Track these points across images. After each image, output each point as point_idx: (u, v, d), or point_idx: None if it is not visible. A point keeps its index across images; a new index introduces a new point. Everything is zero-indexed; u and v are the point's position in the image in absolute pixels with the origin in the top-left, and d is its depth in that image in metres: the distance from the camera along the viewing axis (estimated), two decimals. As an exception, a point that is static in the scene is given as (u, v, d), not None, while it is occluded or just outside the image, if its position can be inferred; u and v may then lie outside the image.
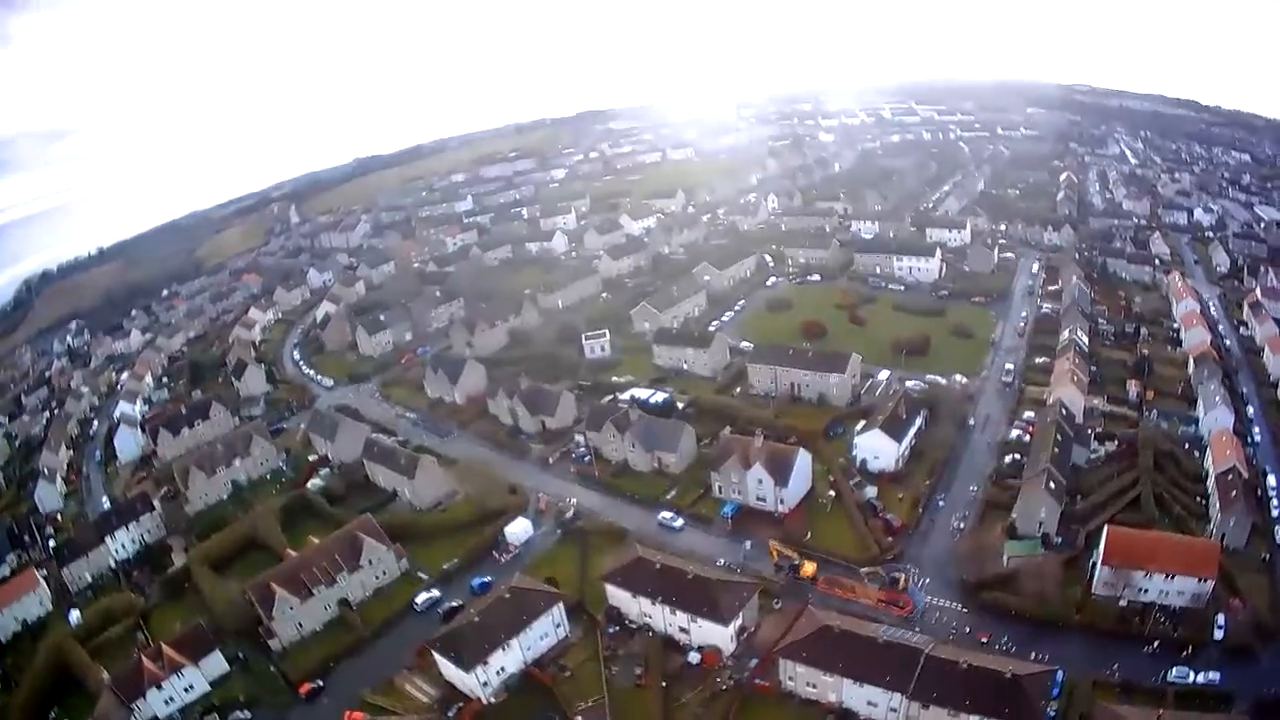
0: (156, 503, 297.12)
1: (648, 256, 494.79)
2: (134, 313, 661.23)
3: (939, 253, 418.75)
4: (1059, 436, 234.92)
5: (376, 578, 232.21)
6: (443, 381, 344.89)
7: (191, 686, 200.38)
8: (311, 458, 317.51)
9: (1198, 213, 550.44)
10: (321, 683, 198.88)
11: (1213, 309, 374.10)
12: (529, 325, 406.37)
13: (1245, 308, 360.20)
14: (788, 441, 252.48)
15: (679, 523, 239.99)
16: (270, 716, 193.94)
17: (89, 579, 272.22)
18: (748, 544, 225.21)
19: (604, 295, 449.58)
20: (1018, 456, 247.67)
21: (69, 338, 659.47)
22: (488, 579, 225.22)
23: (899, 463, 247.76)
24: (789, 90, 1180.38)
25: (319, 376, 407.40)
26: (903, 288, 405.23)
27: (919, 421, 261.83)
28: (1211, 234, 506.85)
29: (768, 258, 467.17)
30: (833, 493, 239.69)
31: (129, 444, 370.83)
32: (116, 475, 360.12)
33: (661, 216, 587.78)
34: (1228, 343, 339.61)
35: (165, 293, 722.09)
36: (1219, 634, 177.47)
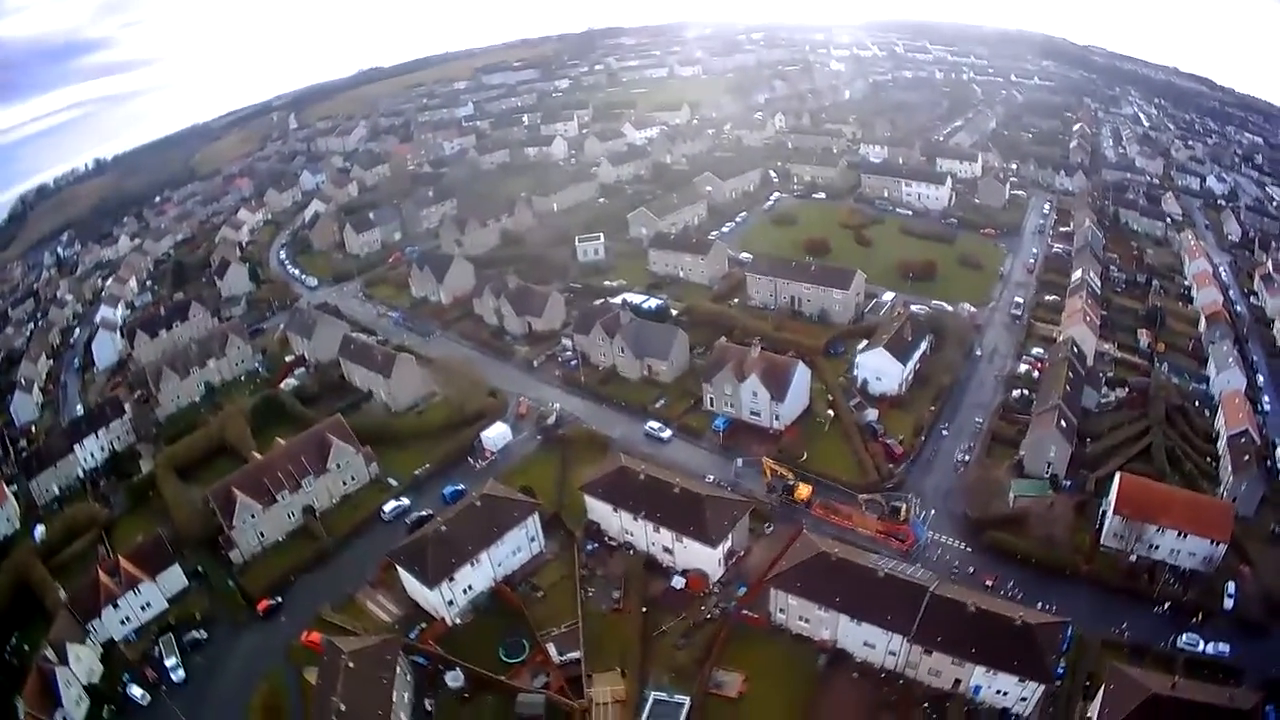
0: (127, 407, 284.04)
1: (649, 165, 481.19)
2: (125, 220, 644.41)
3: (949, 181, 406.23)
4: (1070, 375, 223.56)
5: (344, 483, 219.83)
6: (428, 280, 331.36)
7: (149, 604, 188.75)
8: (289, 357, 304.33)
9: (1210, 180, 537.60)
10: (280, 599, 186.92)
11: (1223, 274, 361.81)
12: (522, 226, 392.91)
13: (1256, 278, 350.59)
14: (786, 355, 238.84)
15: (667, 434, 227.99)
16: (226, 636, 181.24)
17: (57, 490, 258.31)
18: (739, 461, 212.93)
19: (601, 200, 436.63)
20: (1026, 391, 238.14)
21: (59, 248, 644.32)
22: (460, 487, 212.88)
23: (902, 387, 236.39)
24: (802, 19, 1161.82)
25: (304, 276, 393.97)
26: (910, 213, 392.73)
27: (924, 345, 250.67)
28: (1224, 202, 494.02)
29: (772, 173, 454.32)
30: (831, 412, 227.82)
31: (107, 349, 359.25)
32: (93, 382, 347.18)
33: (665, 128, 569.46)
34: (1239, 308, 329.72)
35: (158, 199, 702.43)
36: (1229, 603, 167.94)
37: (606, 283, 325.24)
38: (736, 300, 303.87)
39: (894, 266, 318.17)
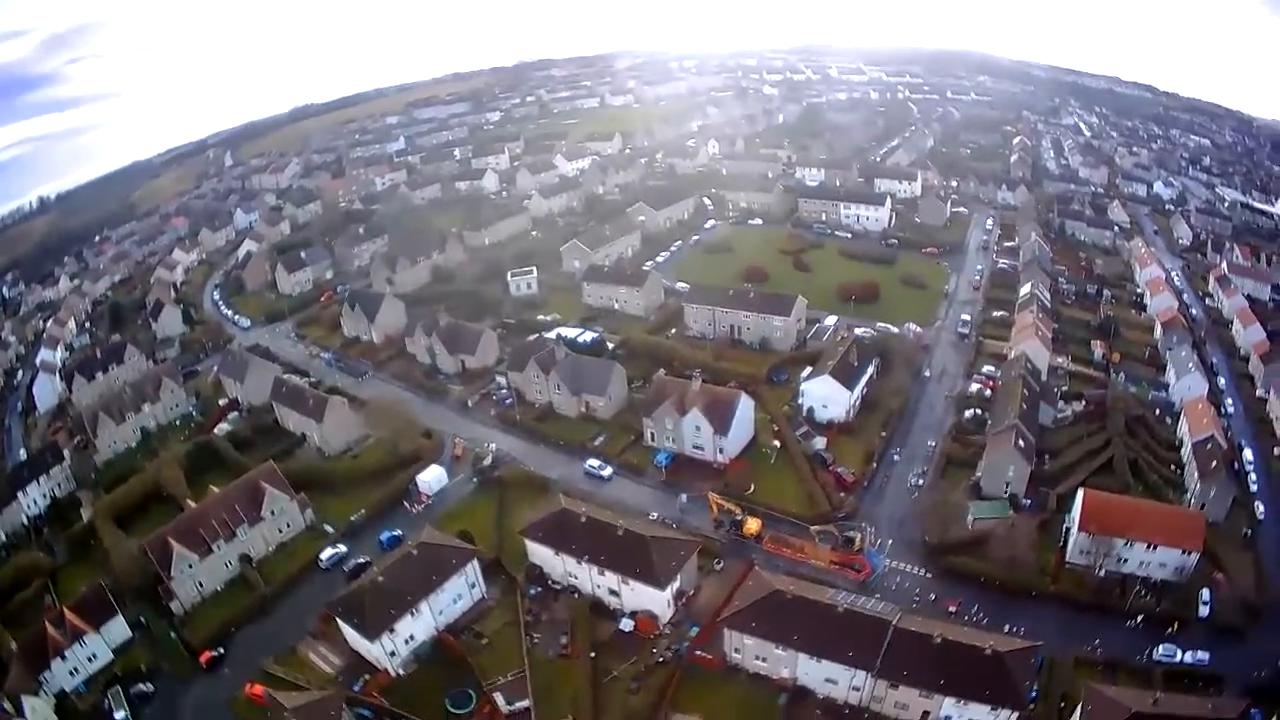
0: (66, 453, 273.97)
1: (581, 196, 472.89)
2: (66, 259, 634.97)
3: (889, 201, 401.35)
4: (1025, 391, 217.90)
5: (280, 530, 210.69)
6: (360, 319, 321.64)
7: (95, 655, 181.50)
8: (222, 401, 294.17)
9: (1157, 186, 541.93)
10: (222, 650, 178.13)
11: (1176, 279, 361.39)
12: (453, 262, 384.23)
13: (1211, 280, 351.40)
14: (727, 385, 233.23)
15: (607, 471, 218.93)
16: (171, 688, 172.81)
17: (3, 537, 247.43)
18: (684, 497, 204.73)
19: (534, 233, 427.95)
20: (978, 411, 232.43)
21: (4, 288, 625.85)
22: (397, 533, 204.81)
23: (850, 413, 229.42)
24: (733, 46, 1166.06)
25: (236, 316, 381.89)
26: (850, 235, 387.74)
27: (871, 370, 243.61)
28: (1172, 207, 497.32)
29: (707, 201, 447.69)
30: (777, 443, 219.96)
31: (47, 392, 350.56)
32: (35, 426, 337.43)
33: (597, 158, 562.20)
34: (1194, 312, 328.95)
35: (97, 239, 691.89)
36: (1205, 610, 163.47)
37: (540, 317, 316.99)
38: (674, 331, 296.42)
39: (835, 290, 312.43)
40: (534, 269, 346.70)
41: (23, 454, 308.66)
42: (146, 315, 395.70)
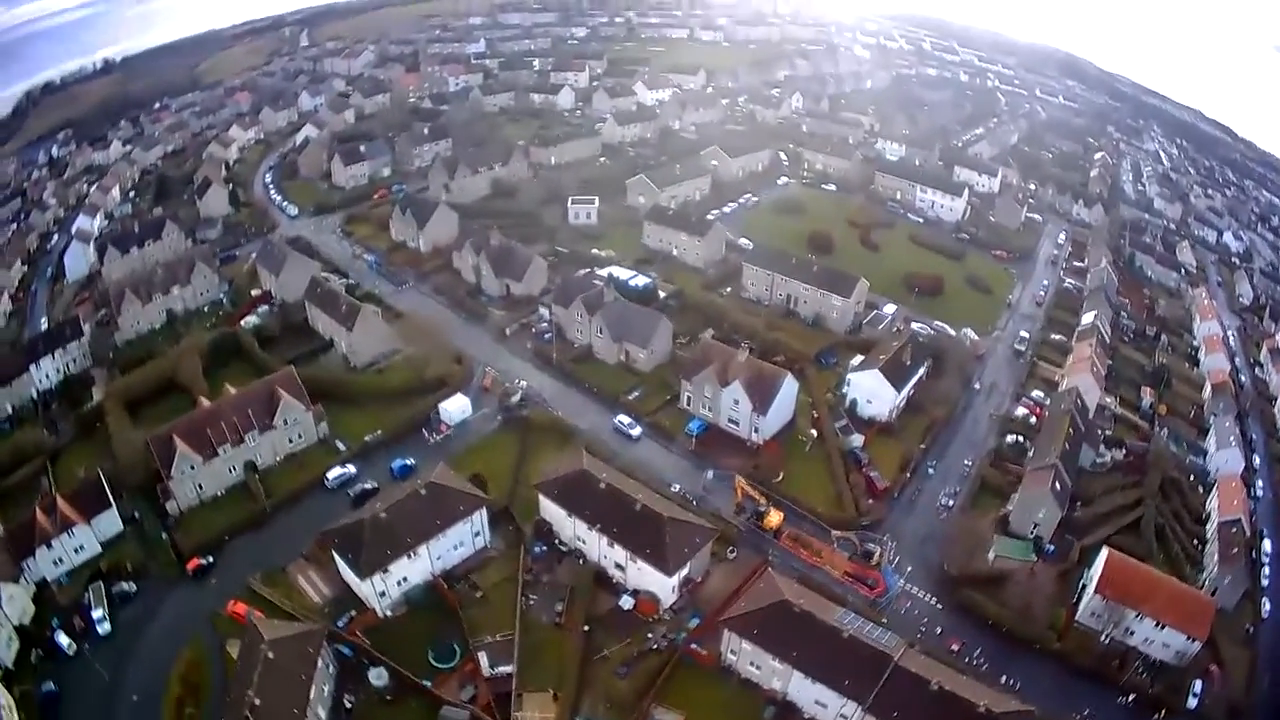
0: (86, 328, 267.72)
1: (656, 129, 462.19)
2: (121, 124, 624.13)
3: (966, 193, 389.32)
4: (1071, 430, 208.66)
5: (290, 440, 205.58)
6: (410, 224, 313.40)
7: (82, 547, 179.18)
8: (255, 291, 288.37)
9: (1227, 236, 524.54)
10: (211, 559, 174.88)
11: (1232, 338, 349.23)
12: (515, 177, 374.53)
13: (1265, 349, 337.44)
14: (774, 360, 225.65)
15: (637, 430, 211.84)
16: (155, 591, 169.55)
17: (9, 409, 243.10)
18: (710, 473, 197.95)
19: (602, 160, 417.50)
20: (1020, 438, 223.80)
21: (54, 147, 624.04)
22: (410, 462, 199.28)
23: (893, 413, 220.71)
24: (831, 3, 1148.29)
25: (285, 203, 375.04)
26: (922, 220, 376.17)
27: (921, 371, 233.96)
28: (1238, 261, 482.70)
29: (783, 156, 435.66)
30: (815, 432, 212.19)
31: (79, 261, 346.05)
32: (61, 295, 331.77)
33: (678, 91, 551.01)
34: (1243, 379, 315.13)
35: (156, 105, 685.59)
36: (1193, 702, 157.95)
37: (595, 251, 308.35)
38: (729, 290, 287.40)
39: (900, 277, 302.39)
40: (596, 199, 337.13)
41: (44, 323, 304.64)
42: (193, 192, 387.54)
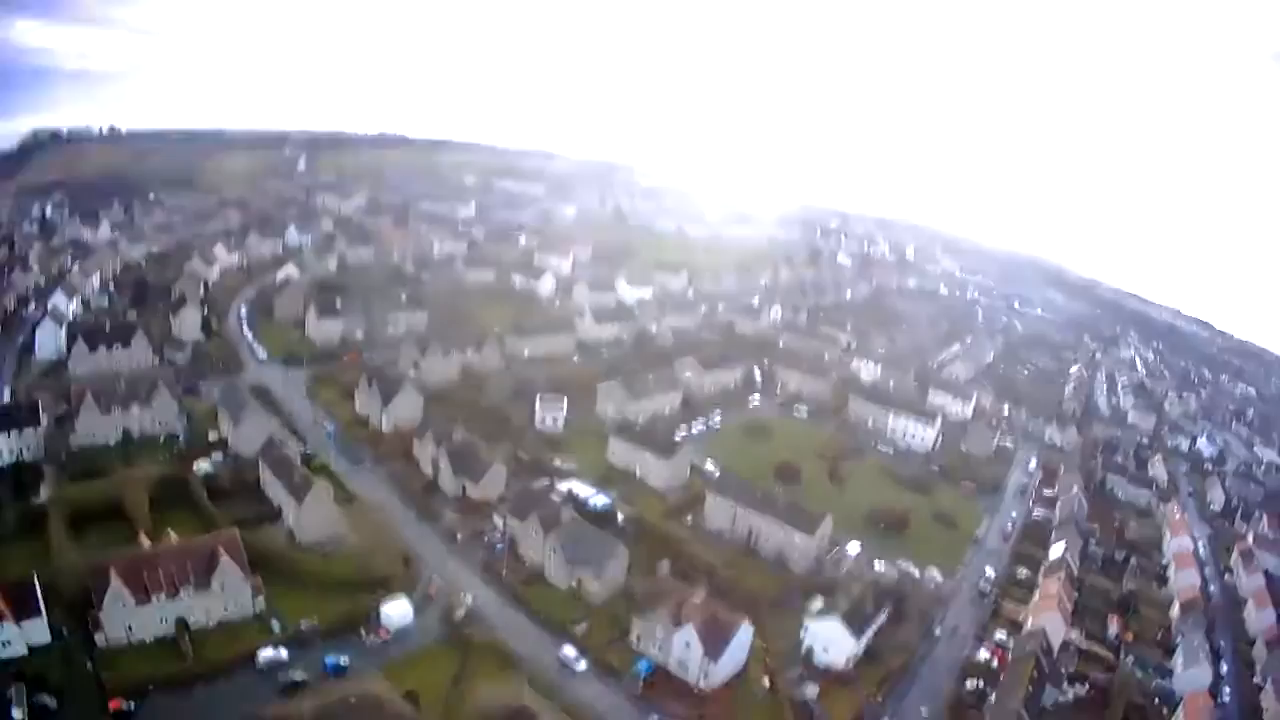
0: (45, 418, 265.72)
1: (633, 330, 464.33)
2: (114, 204, 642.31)
3: (939, 421, 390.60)
4: (1035, 674, 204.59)
5: (225, 608, 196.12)
6: (375, 400, 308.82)
7: (9, 643, 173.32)
8: (212, 435, 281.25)
9: (1201, 441, 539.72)
10: (133, 706, 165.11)
11: (1202, 549, 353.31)
12: (487, 366, 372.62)
13: (1235, 553, 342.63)
14: (730, 598, 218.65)
15: (582, 665, 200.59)
16: (73, 717, 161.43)
17: None
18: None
19: (575, 358, 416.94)
20: (981, 683, 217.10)
21: (49, 207, 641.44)
22: (344, 661, 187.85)
23: (850, 662, 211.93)
24: (820, 199, 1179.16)
25: (256, 343, 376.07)
26: (892, 451, 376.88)
27: (882, 618, 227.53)
28: (1211, 466, 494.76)
29: (758, 372, 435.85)
30: (768, 682, 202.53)
31: (50, 340, 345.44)
32: (28, 371, 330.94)
33: (659, 290, 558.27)
34: (1212, 588, 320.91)
35: (151, 195, 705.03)
36: None
37: (558, 462, 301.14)
38: (690, 519, 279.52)
39: (866, 512, 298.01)
40: (565, 400, 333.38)
41: (6, 393, 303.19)
42: (169, 305, 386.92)
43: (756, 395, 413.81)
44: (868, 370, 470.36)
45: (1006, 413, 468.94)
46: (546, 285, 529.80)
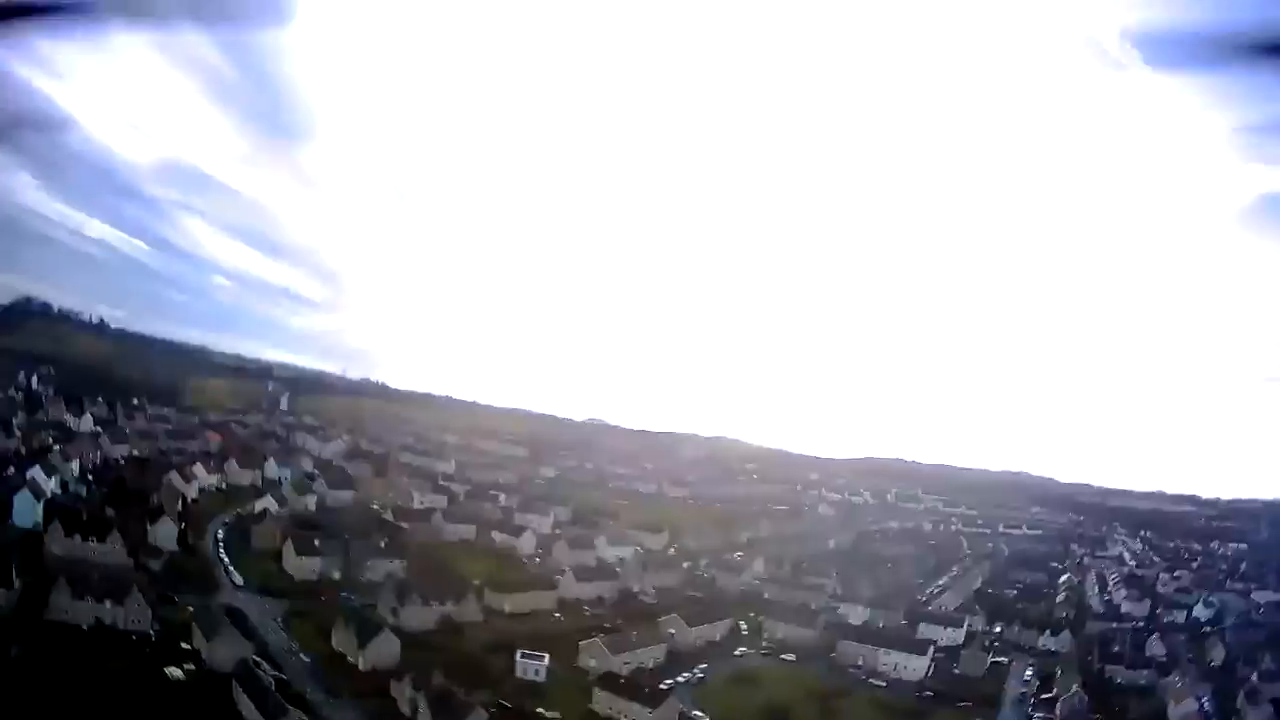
0: (18, 582, 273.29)
1: (615, 589, 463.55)
2: (99, 398, 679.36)
3: (930, 651, 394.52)
4: None
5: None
6: (351, 639, 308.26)
7: None
8: (184, 644, 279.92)
9: (1197, 609, 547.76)
10: None
11: (1207, 704, 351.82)
12: (465, 618, 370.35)
13: (1241, 695, 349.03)
14: None
15: None
16: None
17: None
18: None
19: (557, 615, 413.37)
20: None
21: (35, 379, 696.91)
22: None
23: None
24: (799, 446, 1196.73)
25: (232, 567, 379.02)
26: (884, 684, 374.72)
27: None
28: (1209, 628, 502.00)
29: (743, 625, 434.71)
30: None
31: (26, 509, 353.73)
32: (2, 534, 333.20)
33: (640, 550, 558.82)
34: None
35: (134, 400, 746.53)
36: None
37: (540, 711, 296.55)
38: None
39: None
40: (546, 656, 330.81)
41: None
42: (146, 512, 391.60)
43: (743, 647, 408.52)
44: (855, 614, 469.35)
45: (999, 631, 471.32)
46: (527, 542, 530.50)
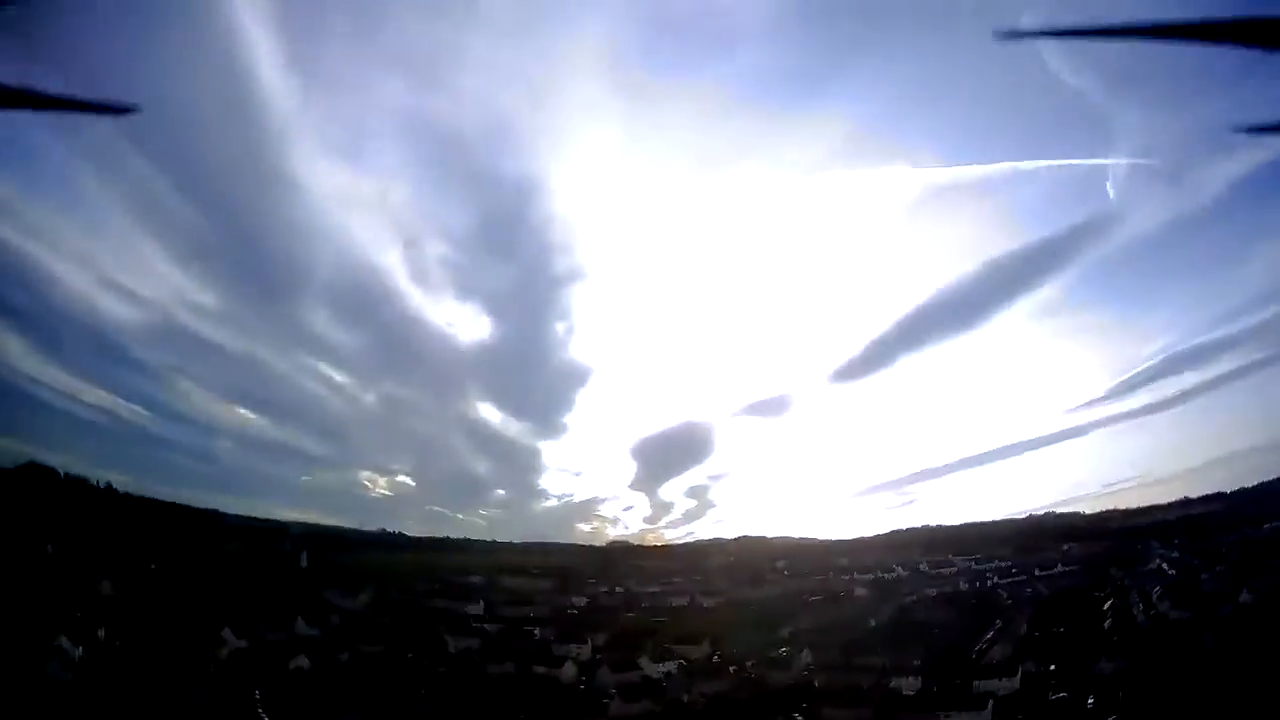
0: None
1: (665, 703, 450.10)
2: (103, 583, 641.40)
3: (990, 704, 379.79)
4: None
5: None
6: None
7: None
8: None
9: (1242, 596, 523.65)
10: None
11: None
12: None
13: None
14: None
15: None
16: None
17: None
18: None
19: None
20: None
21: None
22: None
23: None
24: (821, 534, 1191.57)
25: None
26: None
27: None
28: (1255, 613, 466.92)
29: (798, 717, 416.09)
30: None
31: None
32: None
33: (684, 663, 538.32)
34: None
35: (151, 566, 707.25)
36: None
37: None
38: None
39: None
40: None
41: None
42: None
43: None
44: (908, 685, 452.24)
45: (1053, 668, 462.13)
46: (569, 671, 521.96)
